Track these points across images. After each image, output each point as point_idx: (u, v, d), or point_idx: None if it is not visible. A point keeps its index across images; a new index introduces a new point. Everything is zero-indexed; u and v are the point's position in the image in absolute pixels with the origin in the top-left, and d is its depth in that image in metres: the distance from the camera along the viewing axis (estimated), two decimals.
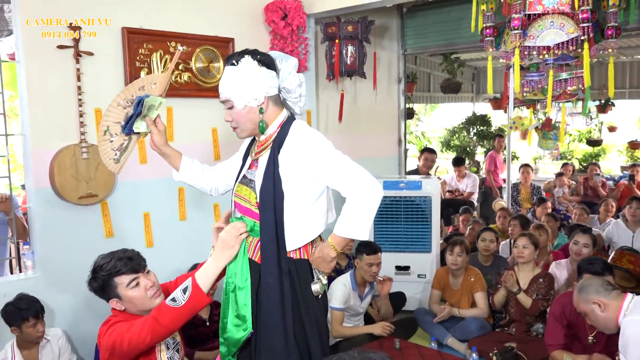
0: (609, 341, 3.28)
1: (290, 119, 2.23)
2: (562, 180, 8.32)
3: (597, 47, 3.65)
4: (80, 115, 3.43)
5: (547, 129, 4.09)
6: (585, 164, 10.79)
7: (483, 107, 11.13)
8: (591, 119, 9.89)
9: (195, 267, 3.84)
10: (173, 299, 2.10)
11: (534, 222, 5.42)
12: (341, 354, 1.30)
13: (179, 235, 3.98)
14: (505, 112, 7.84)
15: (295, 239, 2.17)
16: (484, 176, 8.64)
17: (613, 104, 9.20)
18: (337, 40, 4.47)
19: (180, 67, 3.86)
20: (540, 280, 4.10)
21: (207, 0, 4.06)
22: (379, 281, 4.10)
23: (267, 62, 2.15)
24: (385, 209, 4.80)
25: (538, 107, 4.24)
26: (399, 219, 4.83)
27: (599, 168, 8.87)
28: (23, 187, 3.66)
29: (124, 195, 3.68)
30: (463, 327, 4.28)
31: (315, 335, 2.21)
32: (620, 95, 9.77)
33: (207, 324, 3.72)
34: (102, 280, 2.26)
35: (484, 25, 3.85)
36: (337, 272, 4.32)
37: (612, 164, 11.51)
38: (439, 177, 9.05)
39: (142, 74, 3.67)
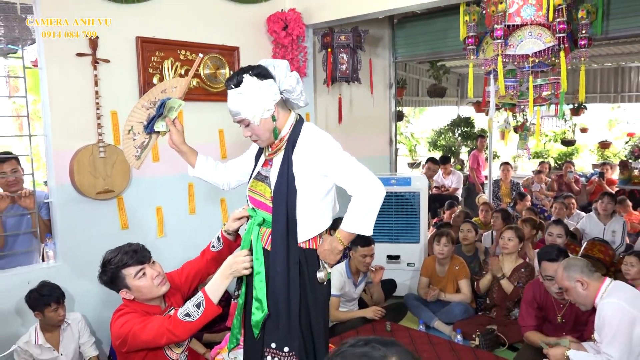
0: (577, 320, 3.31)
1: (300, 121, 2.23)
2: (540, 177, 8.33)
3: (571, 55, 3.66)
4: (98, 118, 3.42)
5: (520, 130, 4.11)
6: (560, 162, 10.80)
7: (467, 110, 11.13)
8: (565, 121, 9.89)
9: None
10: (187, 314, 2.10)
11: (522, 217, 5.42)
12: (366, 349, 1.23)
13: (189, 227, 3.97)
14: (487, 114, 7.84)
15: (306, 231, 2.17)
16: (468, 173, 8.66)
17: (585, 107, 9.21)
18: (329, 49, 4.47)
19: (177, 78, 3.84)
20: (522, 270, 4.12)
21: (214, 12, 4.04)
22: (371, 270, 4.11)
23: (263, 73, 2.12)
24: None
25: (517, 110, 4.25)
26: (390, 212, 4.84)
27: (573, 166, 8.89)
28: (45, 183, 3.64)
29: (138, 191, 3.67)
30: (448, 311, 4.29)
31: (319, 317, 2.22)
32: (591, 100, 9.79)
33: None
34: (111, 273, 2.27)
35: (467, 35, 3.85)
36: None
37: (584, 162, 11.52)
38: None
39: (155, 79, 3.66)
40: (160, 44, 3.70)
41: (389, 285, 4.71)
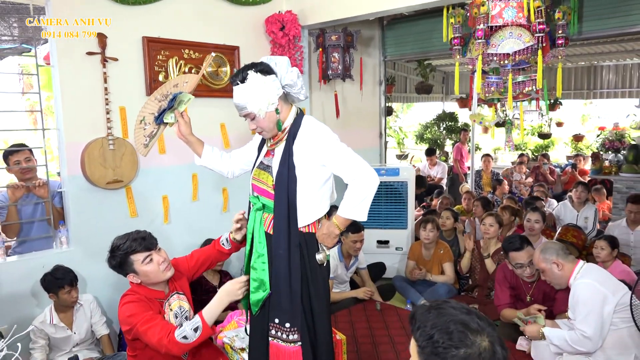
0: (545, 298, 3.36)
1: (300, 114, 2.23)
2: (521, 167, 8.36)
3: (548, 54, 3.64)
4: (107, 113, 3.38)
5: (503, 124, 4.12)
6: (536, 154, 10.82)
7: (451, 106, 11.11)
8: (542, 115, 9.89)
9: (207, 242, 3.83)
10: (185, 337, 2.10)
11: (502, 204, 5.42)
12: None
13: (193, 213, 3.95)
14: (470, 110, 7.83)
15: (306, 217, 2.17)
16: (452, 164, 8.65)
17: (561, 103, 9.20)
18: (320, 49, 4.43)
19: (192, 71, 3.80)
20: (502, 252, 4.12)
21: (215, 13, 4.00)
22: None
23: (266, 69, 2.11)
24: None
25: (499, 105, 4.23)
26: (380, 200, 4.83)
27: (547, 158, 8.91)
28: (58, 174, 3.61)
29: (145, 181, 3.64)
30: (433, 291, 4.30)
31: (319, 296, 2.22)
32: (566, 96, 9.79)
33: (218, 290, 3.70)
34: (120, 258, 2.27)
35: (453, 35, 3.82)
36: None
37: (559, 154, 11.55)
38: (413, 165, 9.06)
39: (160, 77, 3.62)
40: (165, 44, 3.66)
41: (378, 268, 4.72)
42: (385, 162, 6.26)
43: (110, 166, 3.37)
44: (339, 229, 2.17)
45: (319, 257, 2.21)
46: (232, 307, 3.75)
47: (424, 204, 6.95)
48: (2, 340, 2.01)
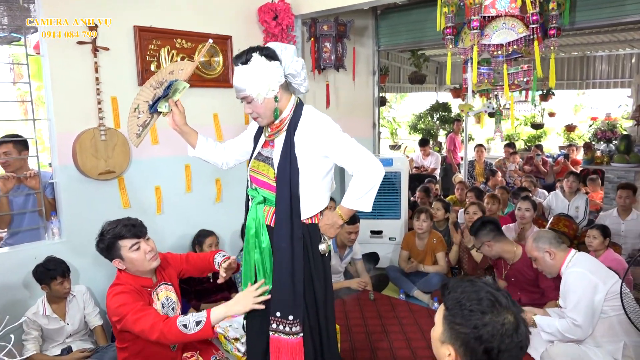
0: (517, 280, 3.60)
1: (300, 104, 2.18)
2: (514, 157, 8.41)
3: (541, 44, 3.65)
4: (99, 103, 3.35)
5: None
6: (529, 144, 10.86)
7: (445, 96, 11.11)
8: (535, 105, 9.93)
9: (201, 232, 3.83)
10: (185, 326, 2.06)
11: (488, 192, 5.48)
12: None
13: (185, 204, 3.94)
14: (463, 100, 7.83)
15: (309, 209, 2.16)
16: (445, 155, 8.68)
17: (553, 93, 9.23)
18: (312, 39, 4.40)
19: (185, 60, 3.77)
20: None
21: (208, 2, 3.96)
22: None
23: (272, 55, 2.05)
24: None
25: (491, 95, 4.24)
26: None
27: (541, 149, 8.95)
28: (50, 165, 3.58)
29: (138, 171, 3.62)
30: (426, 281, 4.33)
31: (322, 286, 2.22)
32: (559, 86, 9.82)
33: (211, 280, 3.71)
34: (108, 242, 2.26)
35: (445, 25, 3.82)
36: None
37: (552, 144, 11.60)
38: (407, 155, 9.08)
39: (152, 66, 3.59)
40: (157, 33, 3.62)
41: (372, 258, 4.73)
42: (379, 153, 6.27)
43: (102, 157, 3.35)
44: (342, 220, 2.16)
45: (321, 247, 2.20)
46: (225, 297, 3.76)
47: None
48: None
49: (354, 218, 3.92)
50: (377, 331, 3.50)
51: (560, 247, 2.83)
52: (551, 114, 10.80)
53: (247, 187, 2.33)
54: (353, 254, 4.26)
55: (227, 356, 3.19)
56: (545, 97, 9.31)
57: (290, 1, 4.28)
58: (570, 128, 10.75)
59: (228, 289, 3.83)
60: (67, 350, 3.02)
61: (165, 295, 2.40)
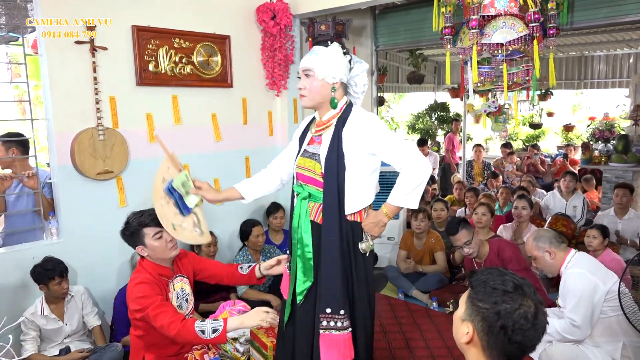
0: None
1: (350, 104, 2.24)
2: (512, 158, 8.41)
3: (541, 44, 3.65)
4: (97, 103, 3.34)
5: (498, 114, 4.11)
6: (527, 144, 10.87)
7: (443, 96, 11.11)
8: (533, 105, 9.94)
9: None
10: (202, 331, 2.22)
11: (485, 192, 5.49)
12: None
13: None
14: (462, 100, 7.84)
15: (353, 205, 2.17)
16: (444, 154, 8.68)
17: (551, 93, 9.23)
18: (310, 39, 4.38)
19: (183, 60, 3.77)
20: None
21: (206, 2, 3.95)
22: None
23: (348, 54, 2.20)
24: None
25: (489, 95, 4.24)
26: None
27: (537, 149, 8.96)
28: (48, 164, 3.57)
29: (136, 171, 3.61)
30: (425, 280, 4.32)
31: (360, 287, 2.22)
32: (557, 86, 9.82)
33: None
34: (133, 229, 2.41)
35: (444, 25, 3.81)
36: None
37: (550, 144, 11.61)
38: None
39: (150, 66, 3.58)
40: (155, 33, 3.61)
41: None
42: None
43: (100, 156, 3.34)
44: (387, 218, 2.17)
45: (362, 246, 2.20)
46: (224, 297, 3.76)
47: None
48: None
49: None
50: (375, 331, 3.48)
51: (560, 247, 2.83)
52: (549, 114, 10.81)
53: (293, 183, 2.36)
54: None
55: (225, 355, 3.19)
56: (544, 96, 9.32)
57: (289, 1, 4.27)
58: (568, 128, 10.76)
59: (227, 289, 3.82)
60: (66, 351, 3.01)
61: (181, 287, 2.52)
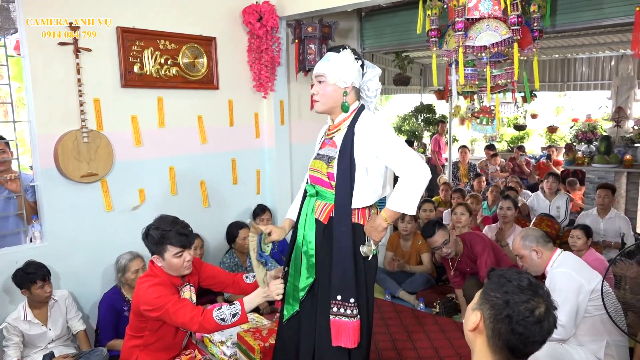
0: (462, 273, 3.83)
1: (362, 107, 2.30)
2: (496, 159, 8.47)
3: (527, 47, 3.68)
4: (81, 105, 3.30)
5: (485, 115, 4.14)
6: (512, 145, 10.96)
7: (429, 98, 11.16)
8: (517, 107, 10.04)
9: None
10: (222, 319, 2.27)
11: (470, 193, 5.53)
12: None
13: (170, 207, 3.88)
14: (447, 102, 7.88)
15: (355, 202, 2.21)
16: (430, 156, 8.73)
17: (535, 95, 9.32)
18: (297, 40, 4.38)
19: (169, 62, 3.74)
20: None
21: (192, 3, 3.93)
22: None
23: (360, 58, 2.26)
24: None
25: (475, 97, 4.26)
26: None
27: (523, 150, 9.05)
28: (31, 167, 3.52)
29: (121, 174, 3.57)
30: (412, 281, 4.34)
31: (360, 290, 2.25)
32: (541, 88, 9.90)
33: None
34: (157, 240, 2.38)
35: (430, 27, 3.83)
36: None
37: (534, 145, 11.72)
38: None
39: (135, 68, 3.55)
40: (140, 34, 3.58)
41: None
42: None
43: (84, 159, 3.30)
44: (386, 222, 2.19)
45: (363, 249, 2.23)
46: (211, 300, 3.73)
47: None
48: None
49: None
50: None
51: (547, 246, 2.86)
52: (533, 116, 10.91)
53: (307, 183, 2.42)
54: None
55: (212, 359, 3.17)
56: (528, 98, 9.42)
57: (275, 3, 4.26)
58: (552, 129, 10.87)
59: (214, 293, 3.79)
60: (50, 356, 2.96)
61: (189, 295, 2.53)
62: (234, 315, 2.28)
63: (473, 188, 6.87)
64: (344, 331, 2.17)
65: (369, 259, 2.27)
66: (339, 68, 2.19)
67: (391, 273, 4.44)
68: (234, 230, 4.04)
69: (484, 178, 7.21)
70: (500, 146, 11.41)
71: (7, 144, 3.35)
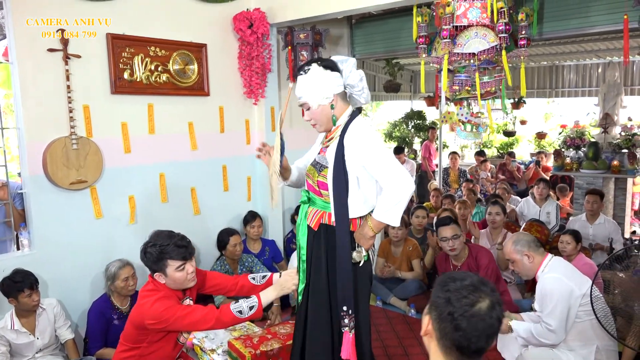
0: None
1: (354, 113, 2.29)
2: (486, 165, 8.52)
3: (511, 54, 3.72)
4: (70, 111, 3.28)
5: (471, 123, 4.17)
6: (502, 152, 11.03)
7: (419, 104, 11.20)
8: (507, 114, 10.10)
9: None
10: (240, 312, 2.28)
11: (460, 199, 5.56)
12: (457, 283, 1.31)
13: (160, 214, 3.87)
14: (437, 108, 7.93)
15: (351, 211, 2.23)
16: (420, 162, 8.75)
17: (524, 102, 9.40)
18: (289, 47, 4.39)
19: (159, 69, 3.73)
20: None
21: (182, 10, 3.92)
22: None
23: (330, 65, 2.20)
24: None
25: (465, 103, 4.29)
26: None
27: (513, 156, 9.11)
28: (19, 174, 3.49)
29: (111, 181, 3.55)
30: (403, 287, 4.34)
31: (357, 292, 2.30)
32: (529, 95, 9.99)
33: None
34: (156, 257, 2.29)
35: (418, 34, 3.86)
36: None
37: (523, 151, 11.80)
38: None
39: (125, 74, 3.53)
40: (130, 41, 3.57)
41: None
42: None
43: (73, 166, 3.27)
44: (372, 231, 2.20)
45: (353, 254, 2.24)
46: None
47: None
48: None
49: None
50: None
51: (538, 251, 2.87)
52: (522, 122, 10.99)
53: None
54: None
55: None
56: (516, 105, 9.50)
57: (266, 10, 4.27)
58: (540, 135, 10.96)
59: (204, 299, 3.76)
60: None
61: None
62: (251, 308, 2.28)
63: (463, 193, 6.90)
64: (346, 343, 2.21)
65: (360, 264, 2.27)
66: (314, 88, 2.18)
67: (382, 279, 4.44)
68: (224, 237, 4.02)
69: (471, 184, 7.26)
70: (490, 152, 11.47)
71: None
